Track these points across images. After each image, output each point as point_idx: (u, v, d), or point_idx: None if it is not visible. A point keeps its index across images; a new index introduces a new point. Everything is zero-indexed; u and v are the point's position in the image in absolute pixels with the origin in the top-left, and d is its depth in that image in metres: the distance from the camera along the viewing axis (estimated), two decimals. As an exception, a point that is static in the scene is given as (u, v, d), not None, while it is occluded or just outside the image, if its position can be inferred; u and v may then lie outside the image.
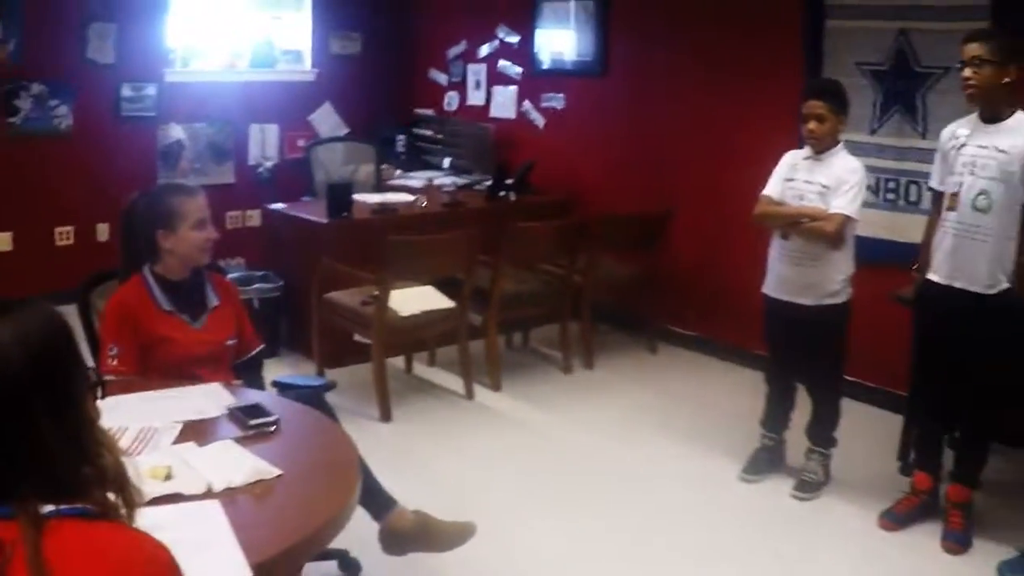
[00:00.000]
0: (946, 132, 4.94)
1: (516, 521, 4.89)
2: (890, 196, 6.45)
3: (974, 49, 4.59)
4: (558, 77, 8.54)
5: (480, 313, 6.58)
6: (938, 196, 4.94)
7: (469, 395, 6.46)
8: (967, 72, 4.60)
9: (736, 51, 7.21)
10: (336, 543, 3.48)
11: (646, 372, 7.19)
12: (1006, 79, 4.59)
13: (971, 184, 4.66)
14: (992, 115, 4.68)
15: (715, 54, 7.35)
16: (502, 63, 8.94)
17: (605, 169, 8.13)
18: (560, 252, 6.93)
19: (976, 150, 4.67)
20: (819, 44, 6.72)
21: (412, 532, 4.18)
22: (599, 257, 7.06)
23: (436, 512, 4.30)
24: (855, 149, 5.99)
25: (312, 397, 4.04)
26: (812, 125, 5.05)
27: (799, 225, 5.08)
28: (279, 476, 3.01)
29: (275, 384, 4.23)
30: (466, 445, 5.81)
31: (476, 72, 9.21)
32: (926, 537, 4.94)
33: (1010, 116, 4.66)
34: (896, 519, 5.05)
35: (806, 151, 5.19)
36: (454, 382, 6.60)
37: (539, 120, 8.63)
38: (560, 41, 8.50)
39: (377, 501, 4.13)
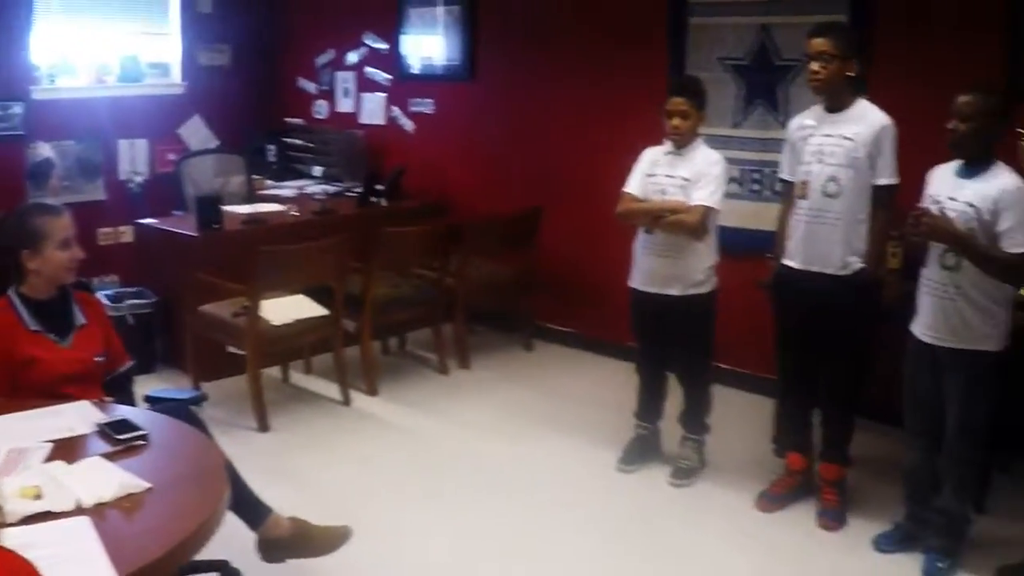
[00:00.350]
0: (793, 123, 5.11)
1: (398, 524, 4.91)
2: (755, 187, 6.59)
3: (820, 44, 4.75)
4: (427, 82, 8.55)
5: (355, 319, 6.57)
6: (789, 186, 5.09)
7: (346, 401, 6.45)
8: (814, 66, 4.76)
9: (602, 51, 7.30)
10: (216, 554, 3.51)
11: (522, 370, 7.24)
12: (849, 72, 4.78)
13: (820, 172, 4.83)
14: (836, 105, 4.86)
15: (582, 54, 7.44)
16: (370, 70, 8.93)
17: (475, 172, 8.18)
18: (432, 255, 6.97)
19: (823, 139, 4.84)
20: (683, 41, 6.85)
21: (289, 539, 4.19)
22: (471, 259, 7.10)
23: (317, 519, 4.31)
24: (719, 142, 6.14)
25: (181, 410, 4.03)
26: (677, 121, 5.15)
27: (662, 219, 5.16)
28: (148, 489, 3.03)
29: (147, 399, 4.22)
30: (344, 451, 5.80)
31: (345, 80, 9.19)
32: (803, 516, 5.08)
33: (853, 104, 4.85)
34: (773, 500, 5.17)
35: (666, 146, 5.28)
36: (331, 389, 6.58)
37: (408, 125, 8.63)
38: (428, 46, 8.50)
39: (252, 510, 4.13)
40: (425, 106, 8.54)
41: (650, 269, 5.29)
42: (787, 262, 5.02)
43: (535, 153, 7.78)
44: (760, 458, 5.59)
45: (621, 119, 7.01)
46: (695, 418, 5.51)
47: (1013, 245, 4.21)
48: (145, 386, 4.48)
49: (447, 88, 8.40)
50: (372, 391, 6.62)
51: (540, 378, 7.06)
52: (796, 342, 5.07)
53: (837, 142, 4.80)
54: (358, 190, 8.00)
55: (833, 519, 5.00)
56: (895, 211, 4.82)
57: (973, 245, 4.24)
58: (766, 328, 5.21)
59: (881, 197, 4.83)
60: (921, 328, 4.50)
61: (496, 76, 8.04)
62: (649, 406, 5.61)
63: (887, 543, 4.77)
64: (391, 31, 8.71)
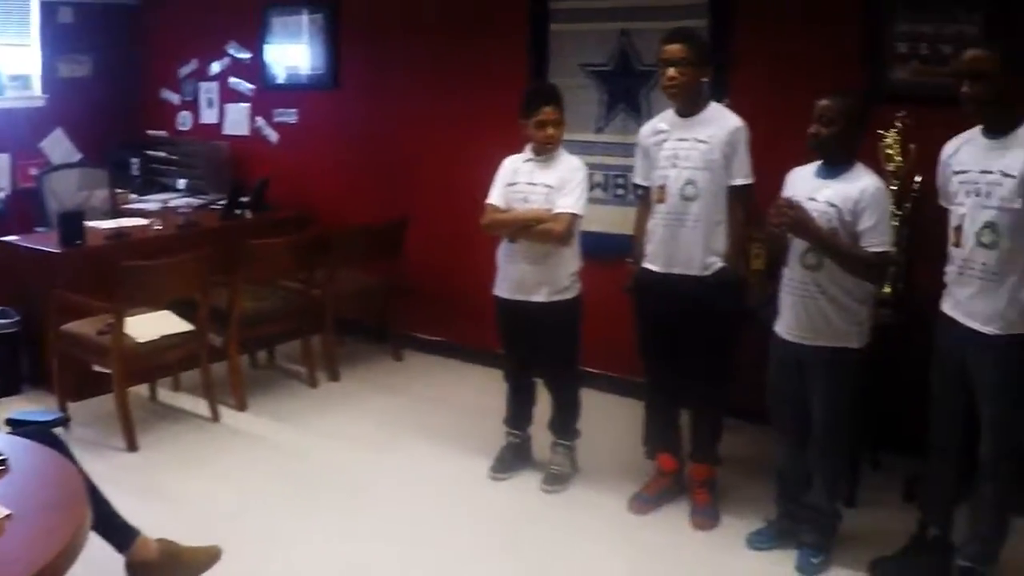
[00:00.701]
0: (646, 129, 5.15)
1: (269, 540, 4.82)
2: (619, 192, 6.64)
3: (677, 51, 4.80)
4: (291, 92, 8.47)
5: (222, 334, 6.46)
6: (645, 191, 5.13)
7: (215, 417, 6.32)
8: (671, 72, 4.80)
9: (466, 59, 7.31)
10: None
11: (393, 380, 7.20)
12: (704, 78, 4.88)
13: (677, 176, 4.87)
14: (690, 110, 4.92)
15: (445, 63, 7.43)
16: (233, 80, 8.82)
17: (341, 182, 8.11)
18: (298, 267, 6.87)
19: (677, 143, 4.89)
20: (544, 49, 6.88)
21: (157, 561, 4.12)
22: (338, 270, 7.03)
23: (187, 538, 4.25)
24: (583, 148, 6.19)
25: (43, 433, 3.94)
26: (551, 131, 5.17)
27: (529, 229, 5.17)
28: (7, 516, 2.96)
29: (8, 422, 4.13)
30: (213, 468, 5.68)
31: (208, 90, 9.06)
32: (676, 516, 5.11)
33: (706, 108, 4.92)
34: (646, 501, 5.19)
35: (526, 154, 5.30)
36: (199, 406, 6.43)
37: (273, 136, 8.55)
38: (292, 55, 8.42)
39: (119, 533, 4.06)
40: (289, 116, 8.47)
41: (515, 277, 5.28)
42: (648, 265, 5.05)
43: (401, 162, 7.75)
44: (631, 461, 5.59)
45: (485, 127, 7.00)
46: (565, 423, 5.52)
47: (874, 244, 4.29)
48: (10, 408, 4.37)
49: (311, 97, 8.33)
50: (241, 406, 6.51)
51: (410, 387, 7.03)
52: (660, 344, 5.10)
53: (692, 145, 4.85)
54: (222, 202, 7.87)
55: (706, 518, 5.04)
56: (754, 212, 4.90)
57: (834, 243, 4.31)
58: (632, 331, 5.23)
59: (738, 197, 4.90)
60: (784, 327, 4.56)
61: (360, 84, 8.00)
62: (519, 413, 5.60)
63: (761, 540, 4.82)
64: (254, 40, 8.62)
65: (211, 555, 4.26)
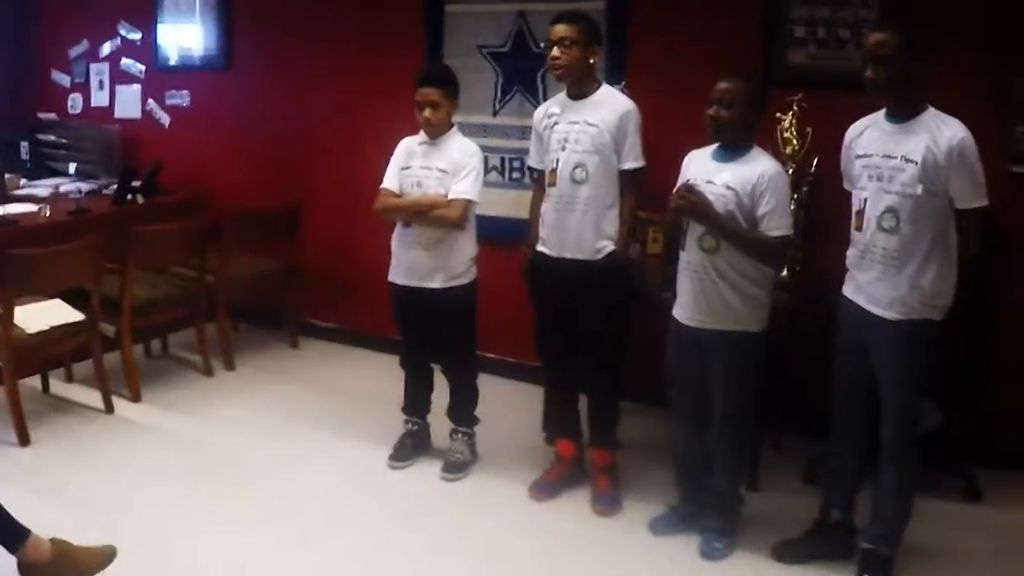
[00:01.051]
0: (539, 112, 5.13)
1: (166, 533, 4.72)
2: (516, 175, 6.61)
3: (562, 30, 4.78)
4: (183, 73, 8.28)
5: (114, 323, 6.29)
6: (539, 173, 5.10)
7: (109, 409, 6.16)
8: (555, 52, 4.78)
9: (361, 40, 7.21)
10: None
11: (289, 367, 7.11)
12: (592, 59, 4.84)
13: (567, 159, 4.85)
14: (580, 92, 4.89)
15: (339, 43, 7.33)
16: (125, 61, 8.60)
17: (235, 165, 7.96)
18: (191, 253, 6.71)
19: (568, 126, 4.87)
20: (440, 30, 6.81)
21: (50, 562, 4.04)
22: (232, 255, 6.91)
23: (84, 536, 4.18)
24: (479, 131, 6.17)
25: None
26: (428, 113, 5.10)
27: (423, 215, 5.11)
28: None
29: None
30: (108, 461, 5.53)
31: (99, 72, 8.82)
32: (577, 503, 5.09)
33: (596, 91, 4.90)
34: (546, 489, 5.16)
35: (420, 136, 5.24)
36: (93, 397, 6.25)
37: (165, 119, 8.36)
38: (185, 35, 8.21)
39: (9, 533, 3.98)
40: (182, 98, 8.28)
41: (411, 262, 5.23)
42: (541, 249, 5.03)
43: (295, 144, 7.64)
44: (531, 447, 5.61)
45: (380, 109, 6.95)
46: (463, 411, 5.48)
47: (773, 228, 4.30)
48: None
49: (204, 79, 8.15)
50: (135, 397, 6.35)
51: (307, 375, 6.95)
52: (555, 329, 5.08)
53: (582, 128, 4.83)
54: (114, 188, 7.69)
55: (607, 504, 5.02)
56: (647, 195, 4.94)
57: (733, 228, 4.32)
58: (530, 316, 5.20)
59: (628, 181, 4.89)
60: (683, 311, 4.55)
61: (253, 65, 7.86)
62: (417, 400, 5.55)
63: (663, 526, 4.82)
64: (146, 20, 8.40)
65: (106, 555, 4.17)
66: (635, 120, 4.85)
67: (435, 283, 5.20)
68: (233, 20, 7.94)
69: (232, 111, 7.98)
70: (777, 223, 4.31)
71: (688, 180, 4.46)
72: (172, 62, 8.34)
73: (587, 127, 4.82)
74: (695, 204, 4.32)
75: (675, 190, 4.42)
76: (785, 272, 5.14)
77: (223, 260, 6.85)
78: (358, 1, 7.21)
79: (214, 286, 6.86)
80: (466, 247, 5.23)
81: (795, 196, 5.12)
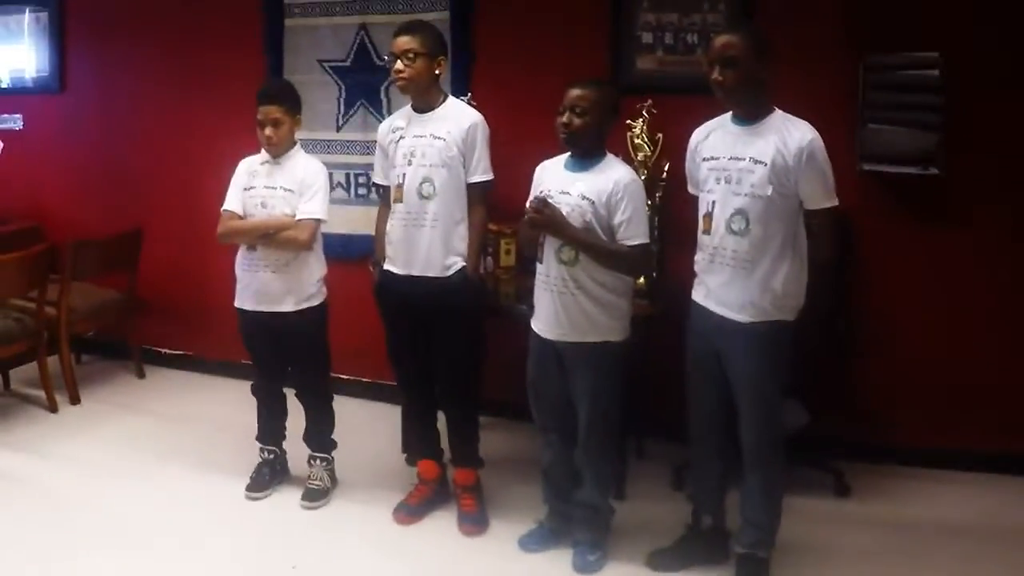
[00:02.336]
0: (384, 127, 5.05)
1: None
2: (361, 191, 6.55)
3: (405, 42, 4.72)
4: (15, 96, 7.97)
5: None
6: (385, 189, 5.01)
7: (-52, 453, 5.88)
8: (399, 65, 4.71)
9: (200, 59, 7.06)
10: None
11: (137, 398, 6.90)
12: (437, 71, 4.78)
13: (414, 173, 4.78)
14: (425, 105, 4.84)
15: (178, 62, 7.16)
16: (-47, 85, 8.28)
17: (73, 190, 7.70)
18: (29, 284, 6.43)
19: (414, 140, 4.80)
20: (279, 44, 6.70)
21: None
22: (72, 285, 6.65)
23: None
24: (322, 147, 6.12)
25: None
26: (269, 131, 4.99)
27: (269, 238, 4.99)
28: None
29: None
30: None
31: (-74, 97, 8.48)
32: (444, 524, 5.01)
33: (443, 104, 4.85)
34: (410, 511, 5.07)
35: (262, 155, 5.11)
36: (-69, 438, 5.98)
37: (-3, 144, 8.08)
38: (15, 57, 7.91)
39: None
40: (14, 122, 7.96)
41: (259, 287, 5.08)
42: (389, 267, 4.94)
43: (134, 167, 7.43)
44: (393, 469, 5.54)
45: (221, 129, 6.77)
46: (320, 436, 5.34)
47: (630, 237, 4.28)
48: None
49: (37, 101, 7.85)
50: (-26, 438, 6.08)
51: (156, 406, 6.74)
52: (408, 348, 5.01)
53: (429, 142, 4.76)
54: (-56, 218, 7.41)
55: (474, 524, 4.95)
56: (498, 208, 4.96)
57: (590, 241, 4.28)
58: (382, 333, 5.10)
59: (477, 195, 4.84)
60: (542, 325, 4.50)
61: (89, 87, 7.61)
62: (271, 428, 5.40)
63: (533, 542, 4.76)
64: (-26, 41, 8.10)
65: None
66: (483, 132, 4.80)
67: (286, 307, 5.07)
68: (66, 41, 7.68)
69: (67, 135, 7.71)
70: (635, 231, 4.28)
71: (542, 192, 4.41)
72: (3, 84, 8.03)
73: (434, 140, 4.75)
74: (549, 218, 4.27)
75: (528, 203, 4.36)
76: (642, 279, 5.11)
77: (63, 290, 6.60)
78: (197, 19, 7.04)
79: (55, 317, 6.60)
80: (315, 267, 5.12)
81: (649, 202, 5.09)
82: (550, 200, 4.32)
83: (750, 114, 4.10)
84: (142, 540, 4.86)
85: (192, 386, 7.17)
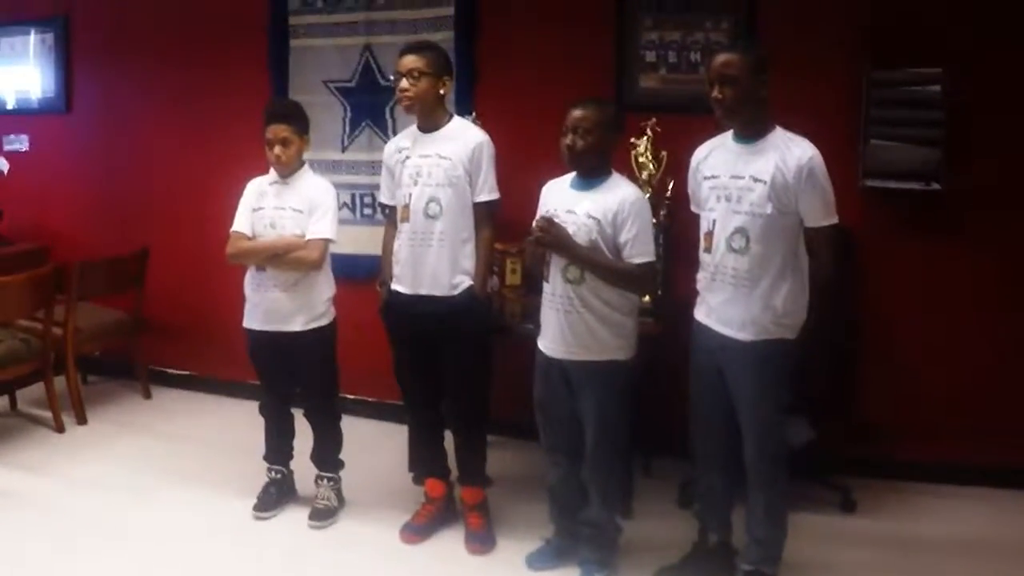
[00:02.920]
0: (389, 147, 5.06)
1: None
2: (367, 211, 6.56)
3: (410, 62, 4.73)
4: (21, 117, 8.02)
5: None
6: (391, 210, 5.03)
7: (-45, 474, 5.88)
8: (404, 84, 4.72)
9: (205, 79, 7.09)
10: None
11: (143, 419, 6.89)
12: (442, 90, 4.78)
13: (420, 193, 4.78)
14: (431, 125, 4.84)
15: (183, 82, 7.19)
16: (-41, 107, 8.30)
17: (78, 211, 7.73)
18: (36, 305, 6.44)
19: (420, 160, 4.80)
20: (285, 66, 6.72)
21: None
22: (78, 305, 6.67)
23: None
24: (328, 167, 6.13)
25: None
26: (278, 151, 5.00)
27: (279, 258, 5.00)
28: None
29: None
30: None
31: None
32: (451, 543, 5.00)
33: (448, 123, 4.85)
34: (417, 531, 5.06)
35: (271, 176, 5.13)
36: (-63, 462, 5.98)
37: (4, 165, 8.05)
38: (21, 78, 7.96)
39: None
40: (21, 143, 8.01)
41: (269, 306, 5.09)
42: (396, 287, 4.94)
43: (140, 188, 7.45)
44: (399, 488, 5.52)
45: (227, 149, 6.81)
46: (328, 455, 5.35)
47: (637, 255, 4.27)
48: None
49: (43, 122, 7.89)
50: (-17, 459, 6.08)
51: (163, 427, 6.73)
52: (415, 367, 5.01)
53: (435, 162, 4.77)
54: (-48, 240, 7.43)
55: (481, 543, 4.94)
56: (503, 227, 4.95)
57: (596, 260, 4.29)
58: (387, 353, 5.11)
59: (483, 214, 4.84)
60: (549, 344, 4.49)
61: (95, 107, 7.64)
62: (278, 447, 5.41)
63: (540, 560, 4.75)
64: (-22, 62, 8.13)
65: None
66: (488, 152, 4.80)
67: (296, 326, 5.07)
68: (72, 61, 7.71)
69: (74, 155, 7.74)
70: (641, 249, 4.28)
71: (548, 211, 4.42)
72: (9, 106, 8.06)
73: (440, 160, 4.75)
74: (555, 237, 4.28)
75: (535, 222, 4.36)
76: (647, 298, 5.12)
77: (70, 310, 6.62)
78: (202, 39, 7.07)
79: (62, 338, 6.62)
80: (324, 287, 5.13)
81: (654, 221, 5.11)
82: (556, 219, 4.34)
83: (750, 132, 4.11)
84: (148, 560, 4.86)
85: (198, 406, 7.16)
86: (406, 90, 4.71)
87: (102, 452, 6.26)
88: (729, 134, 4.22)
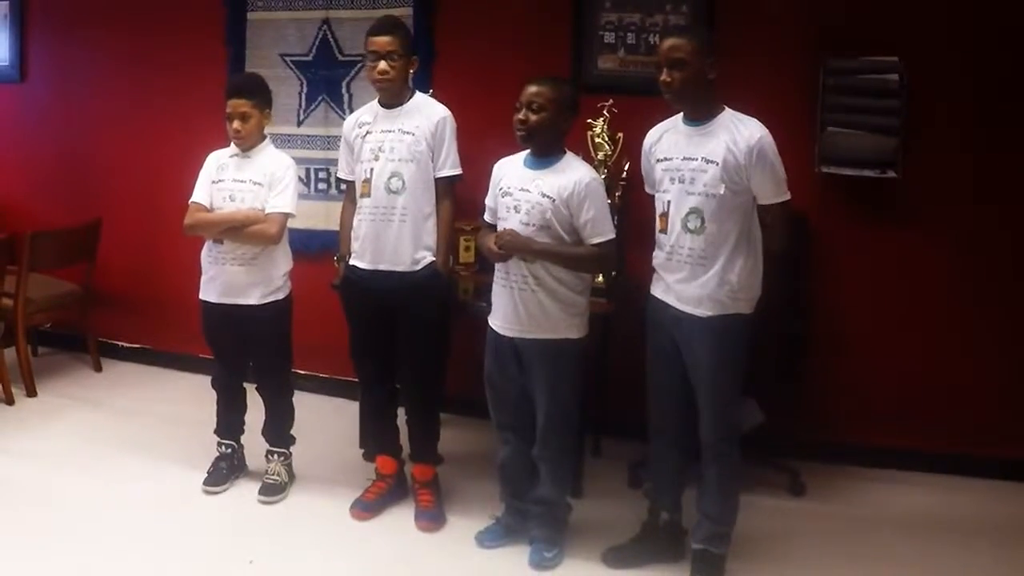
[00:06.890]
0: (349, 122, 5.05)
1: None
2: (322, 186, 6.53)
3: (387, 43, 4.73)
4: (-28, 85, 7.94)
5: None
6: (350, 184, 5.02)
7: (-102, 446, 5.82)
8: (383, 66, 4.72)
9: (161, 50, 7.02)
10: None
11: (94, 392, 6.83)
12: (412, 69, 4.83)
13: (381, 168, 4.79)
14: (395, 101, 4.85)
15: (140, 54, 7.12)
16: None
17: (29, 181, 7.63)
18: (-16, 275, 6.41)
19: (382, 135, 4.81)
20: (242, 37, 6.67)
21: None
22: (28, 276, 6.59)
23: None
24: (283, 141, 6.08)
25: None
26: (237, 124, 4.98)
27: (237, 231, 4.97)
28: None
29: None
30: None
31: None
32: (401, 520, 5.00)
33: (411, 98, 4.87)
34: (367, 507, 5.06)
35: (231, 149, 5.09)
36: None
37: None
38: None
39: None
40: (-31, 112, 7.93)
41: (227, 279, 5.05)
42: (355, 263, 4.93)
43: (94, 159, 7.38)
44: (350, 464, 5.53)
45: (182, 122, 6.78)
46: (278, 430, 5.33)
47: (596, 235, 4.31)
48: None
49: (-4, 91, 7.83)
50: (-72, 430, 6.02)
51: (113, 399, 6.68)
52: (371, 343, 5.00)
53: (397, 137, 4.77)
54: (-101, 209, 7.35)
55: (431, 520, 4.94)
56: (458, 205, 4.96)
57: (556, 251, 4.32)
58: (342, 330, 5.10)
59: (445, 189, 4.85)
60: (501, 322, 4.51)
61: (49, 76, 7.56)
62: (230, 422, 5.38)
63: (490, 539, 4.77)
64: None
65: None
66: (451, 127, 4.82)
67: (251, 299, 5.05)
68: (27, 31, 7.62)
69: (27, 124, 7.65)
70: (601, 228, 4.31)
71: (501, 188, 4.46)
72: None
73: (403, 135, 4.76)
74: (514, 246, 4.33)
75: (495, 236, 4.39)
76: (600, 277, 5.12)
77: (20, 281, 6.54)
78: (157, 8, 7.01)
79: (13, 309, 6.56)
80: (282, 261, 5.12)
81: (609, 202, 5.12)
82: (506, 202, 4.39)
83: (700, 114, 4.15)
84: (97, 534, 4.83)
85: (149, 380, 7.12)
86: (385, 72, 4.71)
87: (51, 425, 6.21)
88: (679, 116, 4.25)
